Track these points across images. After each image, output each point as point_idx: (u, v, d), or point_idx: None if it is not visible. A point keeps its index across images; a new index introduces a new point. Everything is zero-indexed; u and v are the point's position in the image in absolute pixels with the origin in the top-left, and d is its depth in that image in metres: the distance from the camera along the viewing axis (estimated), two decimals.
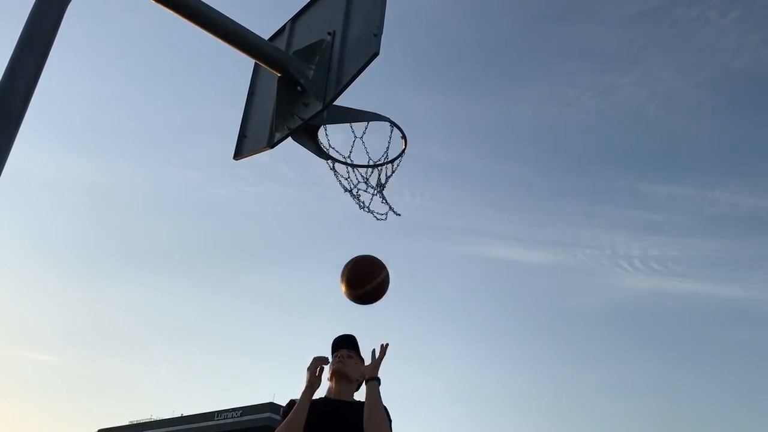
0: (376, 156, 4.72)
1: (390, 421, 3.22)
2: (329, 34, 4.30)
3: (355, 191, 4.70)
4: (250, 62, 4.80)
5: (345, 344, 3.48)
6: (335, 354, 3.44)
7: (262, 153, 4.61)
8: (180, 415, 34.35)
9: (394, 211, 4.69)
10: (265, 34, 4.76)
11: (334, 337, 3.53)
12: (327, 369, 3.41)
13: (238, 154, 4.85)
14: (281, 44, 4.75)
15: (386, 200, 4.72)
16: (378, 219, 4.63)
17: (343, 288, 3.63)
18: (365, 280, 3.60)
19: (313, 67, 4.29)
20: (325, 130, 4.67)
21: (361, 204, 4.68)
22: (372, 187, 4.73)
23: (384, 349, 3.40)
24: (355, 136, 4.62)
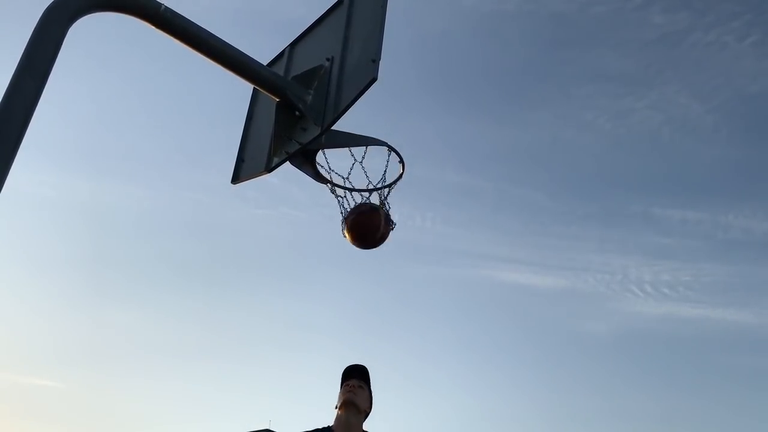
0: (375, 179, 4.74)
1: None
2: (328, 59, 4.33)
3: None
4: None
5: (356, 374, 3.46)
6: (346, 383, 3.42)
7: (265, 176, 4.63)
8: None
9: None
10: (264, 59, 4.80)
11: (345, 367, 3.51)
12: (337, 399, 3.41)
13: (236, 178, 4.86)
14: (280, 69, 4.79)
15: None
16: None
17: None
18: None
19: (312, 92, 4.32)
20: (324, 154, 4.69)
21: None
22: None
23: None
24: (355, 160, 4.64)
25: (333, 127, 4.17)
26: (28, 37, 3.34)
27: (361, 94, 3.89)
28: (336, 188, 4.75)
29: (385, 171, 4.69)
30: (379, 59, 3.83)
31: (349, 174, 4.71)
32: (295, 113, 4.36)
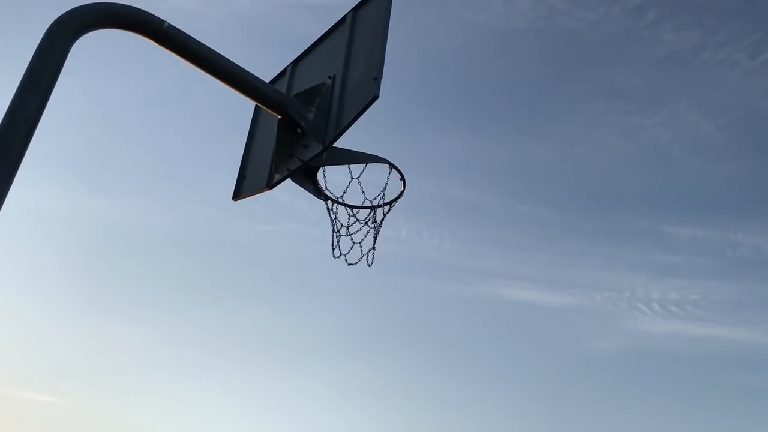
0: (375, 197, 4.74)
1: None
2: (330, 77, 4.34)
3: (344, 232, 4.77)
4: None
5: None
6: None
7: (272, 191, 4.63)
8: None
9: (367, 262, 4.79)
10: (266, 77, 4.81)
11: None
12: None
13: (237, 194, 4.85)
14: (282, 87, 4.80)
15: (374, 245, 4.79)
16: (348, 264, 4.74)
17: None
18: None
19: (313, 109, 4.33)
20: (324, 171, 4.70)
21: (334, 245, 4.73)
22: (370, 227, 4.75)
23: None
24: (352, 177, 4.64)
25: (334, 145, 4.17)
26: (32, 50, 3.36)
27: (363, 112, 3.89)
28: (334, 206, 4.76)
29: (385, 188, 4.69)
30: (381, 77, 3.83)
31: (345, 191, 4.71)
32: (296, 130, 4.37)
